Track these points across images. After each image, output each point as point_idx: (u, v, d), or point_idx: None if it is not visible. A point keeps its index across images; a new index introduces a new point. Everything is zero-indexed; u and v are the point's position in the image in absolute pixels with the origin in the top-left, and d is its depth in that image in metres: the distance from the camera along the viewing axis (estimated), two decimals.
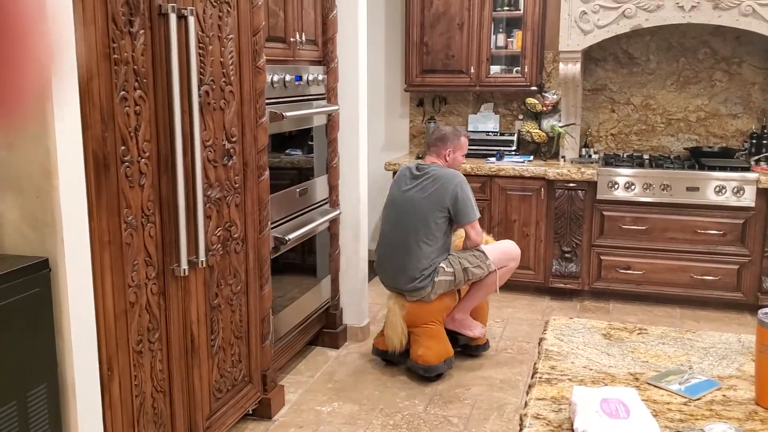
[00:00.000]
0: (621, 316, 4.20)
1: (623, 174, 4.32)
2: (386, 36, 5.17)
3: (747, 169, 4.18)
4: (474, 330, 3.55)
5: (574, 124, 4.74)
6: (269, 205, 2.91)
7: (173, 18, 2.15)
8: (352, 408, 3.11)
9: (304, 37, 3.30)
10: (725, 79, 4.61)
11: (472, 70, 4.75)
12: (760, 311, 1.35)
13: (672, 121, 4.74)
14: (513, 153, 4.81)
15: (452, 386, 3.32)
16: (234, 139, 2.63)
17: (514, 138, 4.87)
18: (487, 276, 3.42)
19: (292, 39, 3.19)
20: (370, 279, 4.04)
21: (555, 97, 4.74)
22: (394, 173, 4.75)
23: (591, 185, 4.35)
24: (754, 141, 4.45)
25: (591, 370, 1.48)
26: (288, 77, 3.12)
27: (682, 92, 4.70)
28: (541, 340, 1.66)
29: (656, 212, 4.29)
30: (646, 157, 4.63)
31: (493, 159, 4.71)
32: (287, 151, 3.34)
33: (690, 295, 4.33)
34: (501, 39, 4.76)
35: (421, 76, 4.89)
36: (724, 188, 4.15)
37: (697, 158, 4.42)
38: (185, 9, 2.23)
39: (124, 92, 2.00)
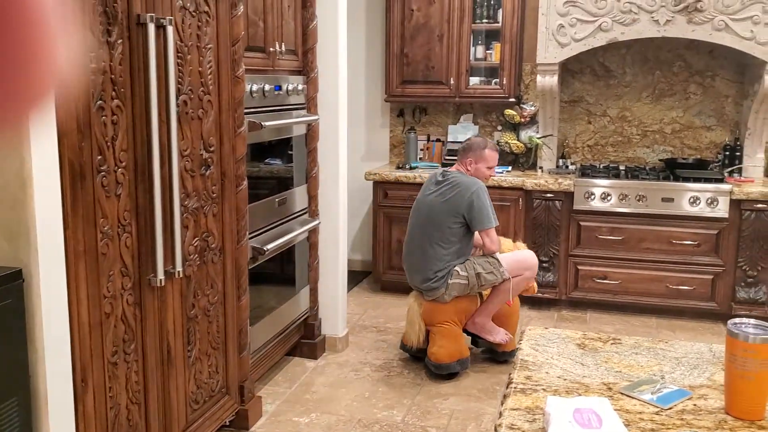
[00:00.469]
0: (598, 326, 4.24)
1: (600, 185, 4.37)
2: (367, 47, 5.20)
3: (721, 181, 4.25)
4: (495, 336, 3.58)
5: (551, 135, 4.79)
6: (247, 214, 2.90)
7: (152, 28, 2.15)
8: (330, 419, 3.10)
9: (284, 47, 3.30)
10: (699, 92, 4.69)
11: (452, 82, 4.78)
12: (729, 321, 1.38)
13: (647, 133, 4.81)
14: None
15: (430, 396, 3.33)
16: (212, 149, 2.62)
17: None
18: (501, 283, 3.47)
19: (271, 49, 3.20)
20: (349, 289, 4.04)
21: (533, 108, 4.79)
22: (375, 183, 4.79)
23: (568, 196, 4.40)
24: (727, 153, 4.53)
25: (565, 380, 1.50)
26: (267, 87, 3.12)
27: (657, 104, 4.77)
28: (516, 349, 1.68)
29: (632, 222, 4.35)
30: (622, 168, 4.69)
31: None
32: (266, 161, 3.34)
33: (666, 304, 4.38)
34: (480, 51, 4.80)
35: (401, 87, 4.91)
36: (699, 199, 4.21)
37: (672, 170, 4.49)
38: (164, 19, 2.23)
39: (101, 101, 1.99)
